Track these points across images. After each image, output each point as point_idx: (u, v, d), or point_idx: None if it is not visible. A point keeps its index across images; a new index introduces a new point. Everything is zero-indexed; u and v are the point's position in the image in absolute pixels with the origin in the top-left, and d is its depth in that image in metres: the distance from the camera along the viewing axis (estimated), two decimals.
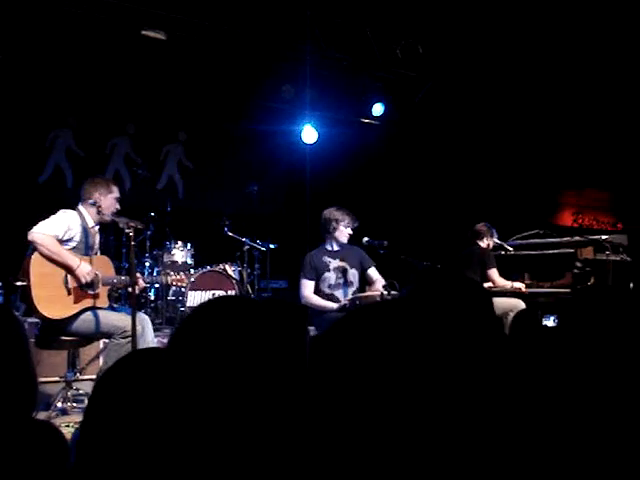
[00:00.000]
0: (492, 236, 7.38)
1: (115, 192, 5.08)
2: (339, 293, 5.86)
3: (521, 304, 6.82)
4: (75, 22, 7.54)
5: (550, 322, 6.89)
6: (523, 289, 7.24)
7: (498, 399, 1.47)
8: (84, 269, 4.71)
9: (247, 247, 8.09)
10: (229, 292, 7.63)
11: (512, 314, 6.27)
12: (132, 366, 1.57)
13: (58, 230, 4.72)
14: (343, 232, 5.89)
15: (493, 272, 7.17)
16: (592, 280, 7.09)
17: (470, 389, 1.40)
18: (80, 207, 4.99)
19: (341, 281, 5.89)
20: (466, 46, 8.85)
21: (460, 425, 1.25)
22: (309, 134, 9.31)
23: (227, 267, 7.63)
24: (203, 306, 1.42)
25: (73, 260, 4.69)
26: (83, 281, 4.70)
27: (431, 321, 1.56)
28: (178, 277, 5.34)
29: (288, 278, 9.61)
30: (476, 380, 1.45)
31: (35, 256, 4.64)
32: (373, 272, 5.99)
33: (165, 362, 1.38)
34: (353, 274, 5.95)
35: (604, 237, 7.44)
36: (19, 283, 4.67)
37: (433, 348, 1.44)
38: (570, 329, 1.92)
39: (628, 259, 7.30)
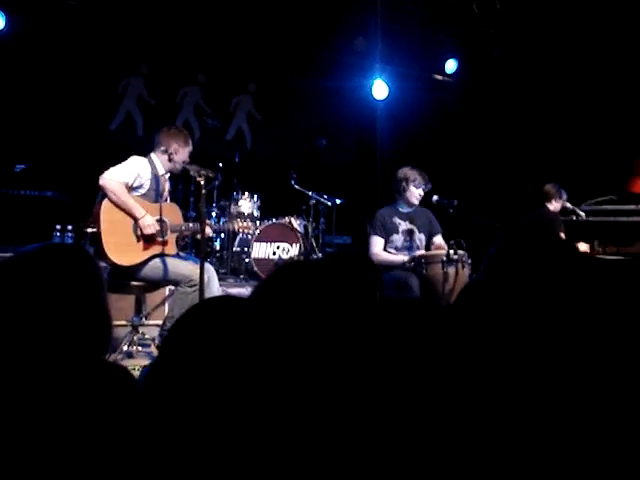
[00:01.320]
0: (561, 198, 7.18)
1: (191, 146, 5.12)
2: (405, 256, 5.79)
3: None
4: None
5: None
6: (587, 251, 7.07)
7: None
8: (147, 221, 4.75)
9: (313, 201, 8.05)
10: (294, 245, 7.64)
11: None
12: (204, 313, 1.56)
13: (128, 176, 4.76)
14: (414, 193, 5.78)
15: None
16: None
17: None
18: (152, 154, 5.02)
19: (407, 244, 5.81)
20: (545, 2, 8.52)
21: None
22: (380, 89, 9.13)
23: (292, 220, 7.63)
24: (281, 270, 1.41)
25: (138, 210, 4.73)
26: (145, 232, 4.74)
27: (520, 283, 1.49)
28: (245, 224, 5.37)
29: (353, 234, 9.57)
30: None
31: (105, 203, 4.69)
32: (439, 239, 5.89)
33: (245, 316, 1.37)
34: (420, 238, 5.86)
35: None
36: (89, 230, 4.74)
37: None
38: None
39: None
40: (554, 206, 7.16)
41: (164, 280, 4.93)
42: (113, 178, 4.70)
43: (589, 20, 8.42)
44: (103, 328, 1.76)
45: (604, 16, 8.25)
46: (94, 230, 4.71)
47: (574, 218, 7.34)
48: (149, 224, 4.76)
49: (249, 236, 7.42)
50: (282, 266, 1.44)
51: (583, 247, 7.09)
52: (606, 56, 8.73)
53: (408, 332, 1.33)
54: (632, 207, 7.45)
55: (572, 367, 1.39)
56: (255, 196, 7.97)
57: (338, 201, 8.20)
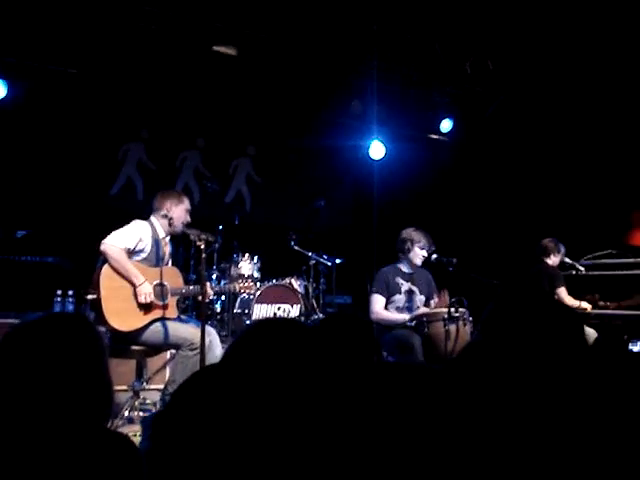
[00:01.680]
0: (559, 252, 7.20)
1: (186, 203, 5.15)
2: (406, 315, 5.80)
3: (592, 332, 6.59)
4: (148, 37, 7.68)
5: (637, 347, 6.68)
6: (589, 309, 7.06)
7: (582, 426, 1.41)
8: (145, 289, 4.76)
9: (313, 261, 8.07)
10: (294, 306, 7.62)
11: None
12: (205, 381, 1.56)
13: (129, 241, 4.80)
14: (418, 254, 5.84)
15: (562, 291, 7.00)
16: None
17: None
18: (152, 218, 5.07)
19: (408, 305, 5.84)
20: (536, 61, 8.69)
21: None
22: (377, 150, 9.26)
23: (293, 281, 7.64)
24: (253, 327, 1.40)
25: (137, 277, 4.76)
26: (141, 300, 4.74)
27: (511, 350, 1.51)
28: (246, 284, 5.39)
29: (353, 294, 9.57)
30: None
31: (105, 269, 4.72)
32: (433, 304, 5.94)
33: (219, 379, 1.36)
34: (420, 300, 5.91)
35: None
36: (90, 296, 4.75)
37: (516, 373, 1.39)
38: None
39: None
40: (553, 261, 7.18)
41: (165, 344, 4.92)
42: (114, 244, 4.73)
43: (580, 78, 8.58)
44: (104, 396, 1.76)
45: (594, 73, 8.41)
46: (94, 297, 4.72)
47: (573, 273, 7.36)
48: (145, 292, 4.76)
49: (250, 297, 7.42)
50: (254, 324, 1.44)
51: (585, 305, 7.09)
52: (599, 112, 8.86)
53: (401, 397, 1.34)
54: (631, 260, 7.47)
55: (566, 427, 1.39)
56: (255, 257, 7.98)
57: (338, 261, 8.23)
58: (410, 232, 5.88)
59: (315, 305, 7.86)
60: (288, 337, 1.33)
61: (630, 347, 6.75)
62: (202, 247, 4.66)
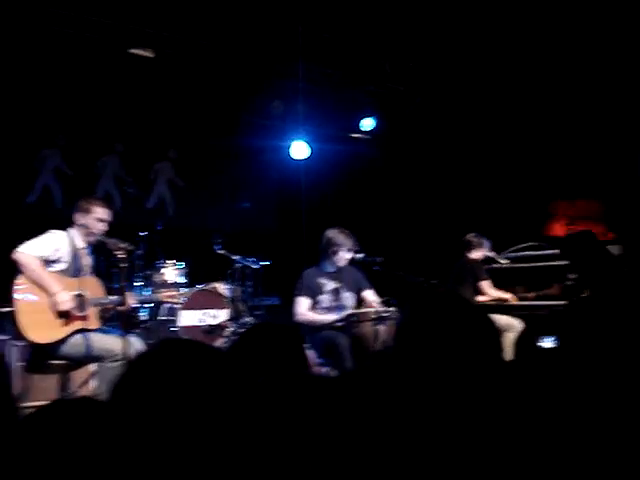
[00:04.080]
0: (482, 246, 7.32)
1: (97, 213, 4.94)
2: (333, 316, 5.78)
3: (517, 323, 6.72)
4: (63, 41, 7.49)
5: (549, 344, 6.81)
6: (511, 300, 7.20)
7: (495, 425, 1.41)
8: (62, 297, 4.59)
9: (239, 265, 8.00)
10: (222, 310, 7.53)
11: (510, 334, 6.18)
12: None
13: (44, 250, 4.64)
14: (342, 257, 5.82)
15: (484, 284, 7.13)
16: (586, 293, 7.04)
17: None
18: (70, 229, 4.92)
19: (335, 304, 5.81)
20: (455, 59, 8.84)
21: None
22: (299, 150, 9.24)
23: (218, 285, 7.55)
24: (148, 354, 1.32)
25: (54, 286, 4.59)
26: (60, 308, 4.58)
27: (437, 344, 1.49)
28: (170, 294, 5.28)
29: (281, 295, 9.53)
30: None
31: (19, 279, 4.55)
32: (369, 294, 5.91)
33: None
34: (346, 297, 5.87)
35: None
36: (5, 310, 4.58)
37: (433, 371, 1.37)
38: (570, 349, 1.86)
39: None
40: (476, 255, 7.29)
41: (87, 357, 4.76)
42: (27, 252, 4.56)
43: (497, 75, 8.76)
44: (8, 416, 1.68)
45: (511, 68, 8.60)
46: (11, 309, 4.55)
47: (495, 266, 7.50)
48: (64, 300, 4.60)
49: (176, 305, 7.30)
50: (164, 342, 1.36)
51: (506, 296, 7.22)
52: (517, 106, 9.07)
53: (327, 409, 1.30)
54: (550, 252, 7.64)
55: (478, 427, 1.38)
56: (180, 263, 7.86)
57: (264, 263, 8.17)
58: (334, 234, 5.84)
59: (243, 308, 7.79)
60: (193, 359, 1.26)
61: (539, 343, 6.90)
62: (121, 256, 4.54)
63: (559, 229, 11.69)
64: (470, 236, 7.37)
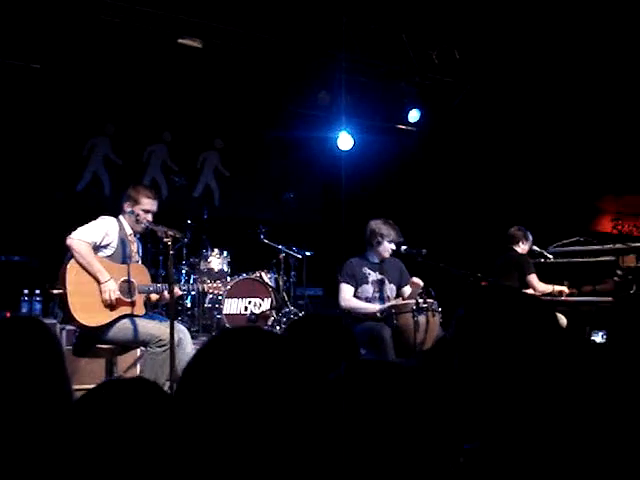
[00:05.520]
0: (527, 239, 7.26)
1: (144, 204, 5.00)
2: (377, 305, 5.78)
3: (562, 319, 6.65)
4: (113, 31, 7.59)
5: (599, 338, 6.74)
6: (566, 291, 7.11)
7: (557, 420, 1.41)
8: (109, 286, 4.69)
9: (283, 255, 8.05)
10: (265, 299, 7.61)
11: None
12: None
13: (96, 236, 4.74)
14: (386, 247, 5.82)
15: (532, 277, 7.06)
16: (634, 289, 6.92)
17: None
18: (120, 216, 5.01)
19: (378, 295, 5.82)
20: (503, 51, 8.74)
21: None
22: (345, 141, 9.25)
23: (263, 274, 7.61)
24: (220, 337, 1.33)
25: (103, 274, 4.68)
26: (104, 297, 4.69)
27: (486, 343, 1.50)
28: (214, 285, 5.32)
29: (324, 286, 9.57)
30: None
31: (71, 263, 4.65)
32: (407, 290, 5.91)
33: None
34: (391, 289, 5.88)
35: None
36: (55, 291, 4.69)
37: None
38: (620, 346, 1.85)
39: None
40: (522, 249, 7.23)
41: (133, 341, 4.87)
42: (81, 238, 4.67)
43: (547, 67, 8.65)
44: (62, 397, 1.73)
45: (562, 60, 8.48)
46: (60, 292, 4.65)
47: (542, 260, 7.42)
48: (109, 289, 4.69)
49: (220, 294, 7.38)
50: (221, 333, 1.36)
51: (561, 288, 7.13)
52: (566, 100, 8.94)
53: (378, 395, 1.32)
54: (598, 247, 7.53)
55: (544, 427, 1.39)
56: (225, 252, 7.94)
57: (308, 253, 8.22)
58: (379, 225, 5.84)
59: (286, 298, 7.85)
60: (254, 346, 1.26)
61: (592, 337, 6.83)
62: (169, 244, 4.61)
63: (606, 224, 11.52)
64: (514, 229, 7.30)
